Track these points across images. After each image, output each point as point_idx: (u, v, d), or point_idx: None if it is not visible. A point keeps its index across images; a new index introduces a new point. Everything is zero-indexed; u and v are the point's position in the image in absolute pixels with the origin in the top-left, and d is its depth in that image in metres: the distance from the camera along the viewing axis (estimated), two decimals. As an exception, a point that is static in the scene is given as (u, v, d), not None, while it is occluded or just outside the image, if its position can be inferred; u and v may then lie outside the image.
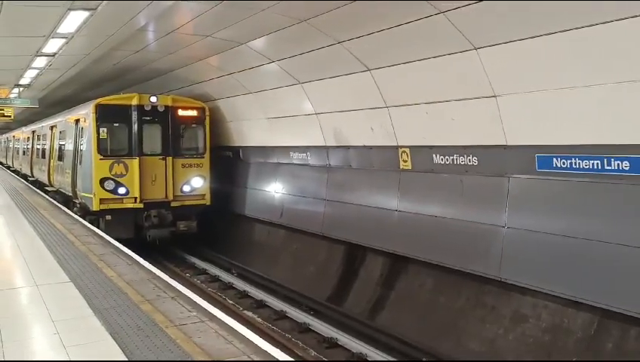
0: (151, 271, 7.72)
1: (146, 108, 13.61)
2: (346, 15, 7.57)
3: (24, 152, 27.86)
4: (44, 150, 20.78)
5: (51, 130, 19.13)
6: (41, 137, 21.84)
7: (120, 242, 9.85)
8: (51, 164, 18.79)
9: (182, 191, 14.01)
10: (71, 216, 13.55)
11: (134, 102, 13.56)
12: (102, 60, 12.66)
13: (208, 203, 14.39)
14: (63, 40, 10.38)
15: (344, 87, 9.73)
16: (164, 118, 13.84)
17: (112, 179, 13.22)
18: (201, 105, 14.51)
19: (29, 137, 25.88)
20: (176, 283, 7.06)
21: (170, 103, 13.93)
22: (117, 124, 13.57)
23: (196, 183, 14.21)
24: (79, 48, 11.29)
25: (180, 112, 14.13)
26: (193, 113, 14.38)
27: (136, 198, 13.35)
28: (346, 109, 10.21)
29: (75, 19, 8.81)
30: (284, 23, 8.57)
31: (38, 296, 6.44)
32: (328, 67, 9.65)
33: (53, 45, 10.93)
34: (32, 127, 25.57)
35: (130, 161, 13.42)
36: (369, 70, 8.85)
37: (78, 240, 10.02)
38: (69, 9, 8.19)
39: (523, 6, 5.88)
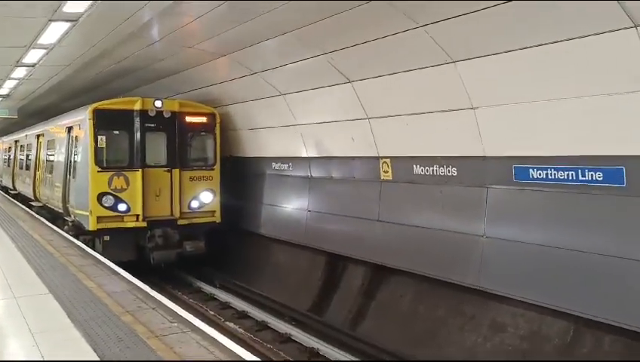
0: (131, 282, 7.68)
1: (150, 114, 12.07)
2: (327, 28, 7.69)
3: (7, 163, 26.13)
4: (28, 161, 19.28)
5: (37, 139, 17.68)
6: (25, 147, 20.28)
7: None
8: (37, 177, 17.30)
9: (189, 207, 12.51)
10: (50, 227, 13.35)
11: (137, 106, 12.05)
12: (84, 70, 12.60)
13: (218, 220, 12.87)
14: (44, 50, 10.36)
15: (326, 98, 9.84)
16: (170, 124, 12.33)
17: (111, 194, 11.69)
18: (210, 110, 13.03)
19: (10, 147, 24.62)
20: (157, 294, 7.03)
21: (176, 108, 12.47)
22: (117, 132, 12.07)
23: (205, 198, 12.73)
24: (60, 58, 11.26)
25: (188, 119, 12.64)
26: (202, 119, 12.89)
27: (138, 216, 11.84)
28: (326, 120, 10.30)
29: (56, 30, 8.81)
30: (267, 35, 8.66)
31: (16, 308, 6.35)
32: (310, 79, 9.75)
33: (33, 56, 10.89)
34: (15, 136, 24.32)
35: (132, 174, 11.90)
36: (350, 82, 8.97)
37: (58, 252, 9.91)
38: (50, 20, 8.19)
39: (499, 21, 6.04)
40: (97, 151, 11.72)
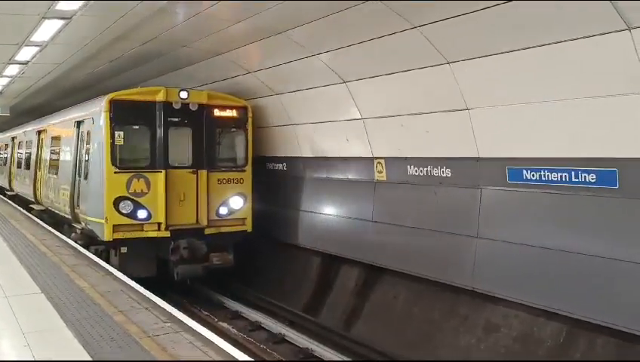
0: (125, 282, 7.65)
1: (174, 107, 10.50)
2: (321, 28, 7.68)
3: (4, 162, 24.47)
4: (28, 159, 17.77)
5: (39, 135, 16.20)
6: (25, 144, 18.70)
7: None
8: (38, 177, 15.87)
9: (217, 214, 10.95)
10: (43, 227, 13.24)
11: (160, 97, 10.45)
12: (77, 68, 12.50)
13: (250, 229, 11.34)
14: (37, 48, 10.29)
15: (321, 99, 9.84)
16: (196, 119, 10.78)
17: (130, 199, 10.15)
18: (242, 103, 11.45)
19: (7, 145, 23.58)
20: (151, 294, 7.01)
21: (204, 100, 10.85)
22: (137, 127, 10.61)
23: (235, 204, 11.17)
24: (54, 56, 11.18)
25: (217, 112, 11.06)
26: (232, 113, 11.29)
27: (160, 224, 10.32)
28: (321, 120, 10.30)
29: (49, 28, 8.75)
30: (259, 35, 8.64)
31: (7, 308, 6.30)
32: (305, 79, 9.74)
33: (25, 53, 10.82)
34: (12, 133, 23.28)
35: (154, 176, 10.35)
36: (345, 82, 8.97)
37: (50, 251, 9.86)
38: (44, 17, 8.14)
39: (495, 22, 6.05)
40: (114, 148, 10.18)
